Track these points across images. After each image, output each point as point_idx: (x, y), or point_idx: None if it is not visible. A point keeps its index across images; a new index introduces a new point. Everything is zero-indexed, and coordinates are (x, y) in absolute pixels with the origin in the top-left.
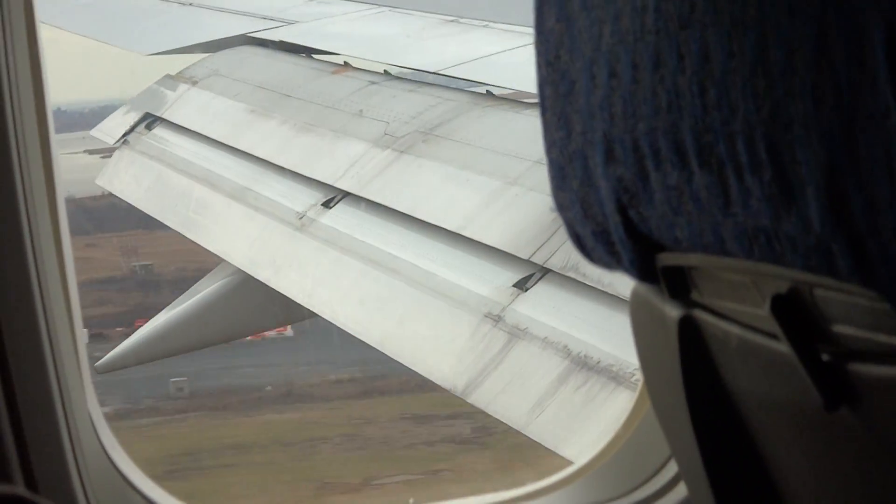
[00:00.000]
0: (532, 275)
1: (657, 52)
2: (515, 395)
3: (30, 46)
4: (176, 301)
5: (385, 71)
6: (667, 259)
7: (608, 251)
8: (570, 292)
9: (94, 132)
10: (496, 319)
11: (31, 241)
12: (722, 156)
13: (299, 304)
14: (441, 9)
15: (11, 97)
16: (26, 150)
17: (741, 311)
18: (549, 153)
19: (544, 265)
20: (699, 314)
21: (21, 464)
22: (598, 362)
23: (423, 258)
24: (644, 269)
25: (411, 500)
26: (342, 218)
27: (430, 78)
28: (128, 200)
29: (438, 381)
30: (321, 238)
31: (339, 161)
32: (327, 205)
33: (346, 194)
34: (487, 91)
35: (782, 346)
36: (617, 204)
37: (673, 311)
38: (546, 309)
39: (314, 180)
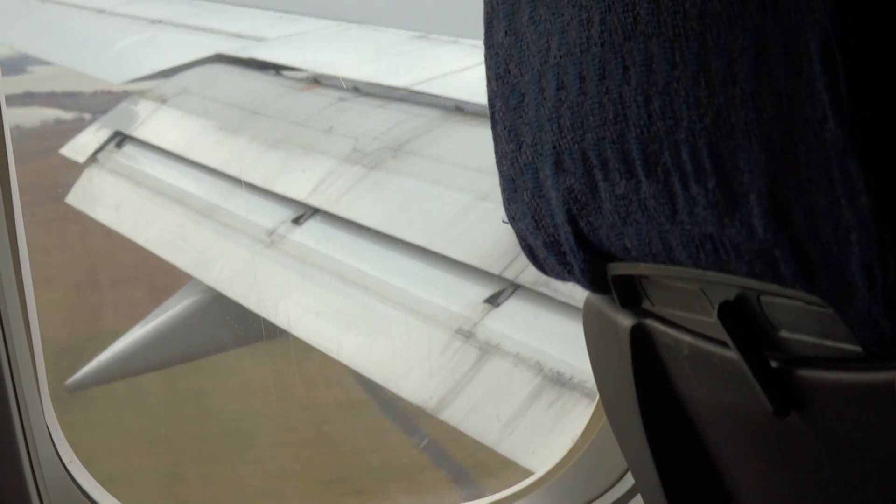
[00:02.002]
0: (503, 290)
1: (603, 63)
2: (487, 411)
3: None
4: (146, 318)
5: (354, 87)
6: (617, 269)
7: (560, 262)
8: (542, 308)
9: (64, 150)
10: (467, 335)
11: None
12: (667, 165)
13: (270, 321)
14: (410, 25)
15: None
16: None
17: (691, 319)
18: (501, 165)
19: (515, 280)
20: (651, 323)
21: None
22: (571, 378)
23: (393, 274)
24: (595, 279)
25: None
26: (312, 234)
27: (400, 94)
28: (97, 219)
29: (409, 398)
30: (291, 255)
31: (308, 177)
32: (297, 221)
33: (315, 210)
34: (457, 107)
35: (732, 354)
36: (567, 214)
37: (625, 321)
38: (518, 324)
39: (284, 197)
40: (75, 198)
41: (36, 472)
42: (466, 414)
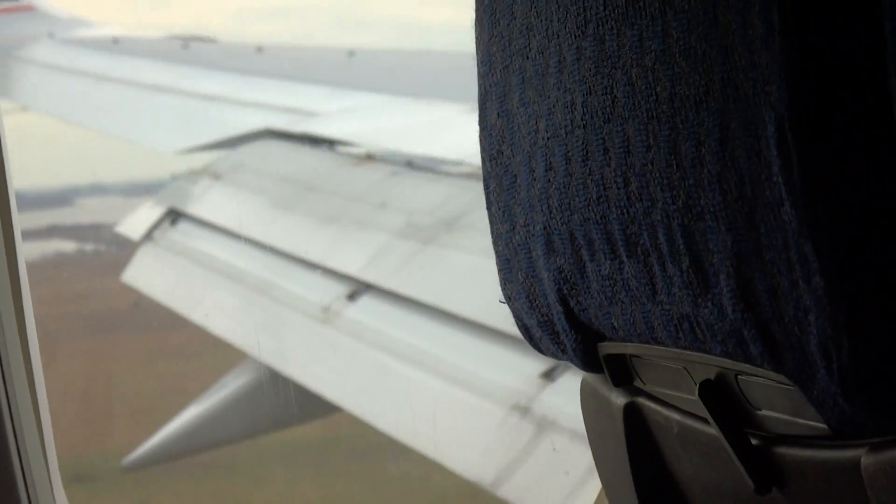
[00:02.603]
0: (558, 365)
1: (586, 145)
2: (545, 488)
3: None
4: (201, 396)
5: (408, 161)
6: (607, 348)
7: (553, 341)
8: None
9: (119, 228)
10: (524, 410)
11: None
12: (646, 245)
13: (325, 399)
14: (463, 99)
15: None
16: None
17: (678, 397)
18: (496, 246)
19: None
20: (642, 401)
21: None
22: None
23: (449, 349)
24: (587, 359)
25: None
26: (366, 310)
27: (453, 168)
28: (153, 297)
29: (466, 475)
30: (346, 331)
31: (362, 253)
32: (351, 297)
33: (369, 286)
34: None
35: (715, 431)
36: (558, 294)
37: (618, 399)
38: (574, 399)
39: (338, 273)
40: (130, 275)
41: None
42: (523, 490)
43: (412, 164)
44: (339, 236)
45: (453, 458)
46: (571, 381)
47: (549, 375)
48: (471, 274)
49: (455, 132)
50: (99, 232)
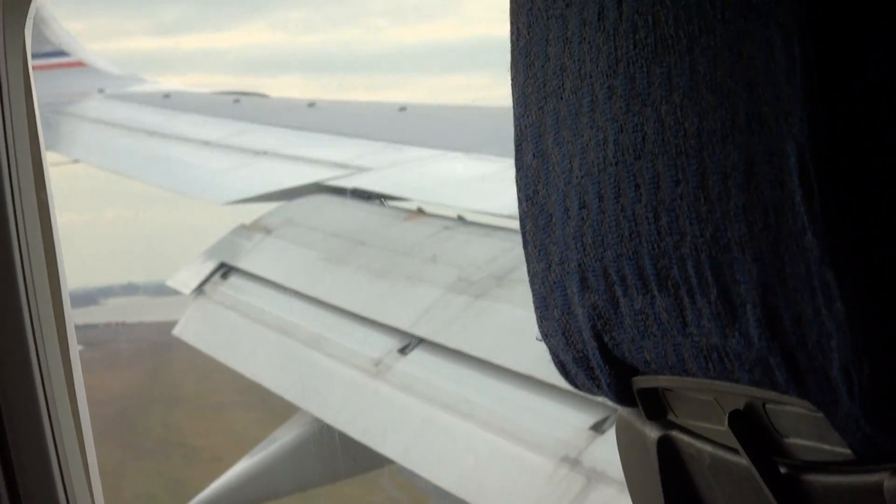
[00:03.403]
0: (608, 417)
1: (618, 182)
2: None
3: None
4: (254, 449)
5: (459, 216)
6: (641, 382)
7: (589, 377)
8: None
9: (170, 282)
10: (574, 463)
11: (32, 327)
12: (676, 279)
13: (376, 452)
14: (512, 153)
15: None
16: (31, 269)
17: (710, 429)
18: (532, 284)
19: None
20: (676, 434)
21: None
22: None
23: (500, 402)
24: (621, 393)
25: None
26: (418, 364)
27: (505, 222)
28: (204, 350)
29: None
30: (397, 384)
31: (413, 307)
32: (403, 351)
33: (421, 340)
34: None
35: (745, 461)
36: (593, 330)
37: (652, 433)
38: None
39: (389, 326)
40: (182, 329)
41: None
42: None
43: (463, 219)
44: (390, 290)
45: None
46: None
47: (598, 427)
48: (521, 327)
49: (505, 186)
50: None
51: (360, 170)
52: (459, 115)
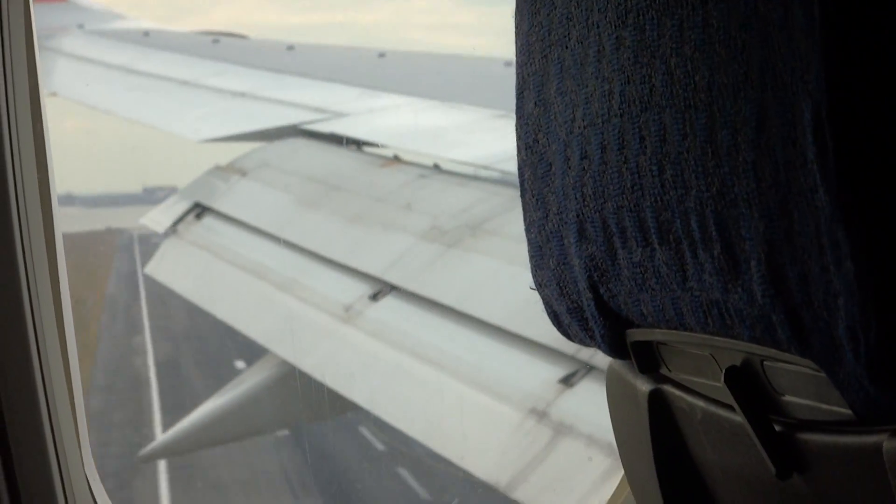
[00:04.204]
0: (577, 371)
1: (622, 133)
2: (559, 492)
3: (34, 121)
4: (220, 391)
5: (434, 164)
6: (635, 335)
7: (582, 328)
8: None
9: (143, 220)
10: (541, 415)
11: (31, 307)
12: (678, 232)
13: (344, 397)
14: (492, 104)
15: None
16: (28, 226)
17: (703, 384)
18: (529, 233)
19: (589, 362)
20: (667, 388)
21: None
22: None
23: (468, 352)
24: (615, 345)
25: None
26: (388, 311)
27: (480, 172)
28: (175, 290)
29: (482, 476)
30: (367, 330)
31: (386, 254)
32: (374, 297)
33: (393, 287)
34: None
35: (739, 418)
36: (589, 281)
37: (643, 386)
38: (592, 406)
39: (361, 273)
40: (154, 269)
41: None
42: (538, 493)
43: (438, 167)
44: (364, 236)
45: (469, 459)
46: (589, 388)
47: (567, 381)
48: (493, 278)
49: (483, 137)
50: None
51: (338, 115)
52: (439, 63)
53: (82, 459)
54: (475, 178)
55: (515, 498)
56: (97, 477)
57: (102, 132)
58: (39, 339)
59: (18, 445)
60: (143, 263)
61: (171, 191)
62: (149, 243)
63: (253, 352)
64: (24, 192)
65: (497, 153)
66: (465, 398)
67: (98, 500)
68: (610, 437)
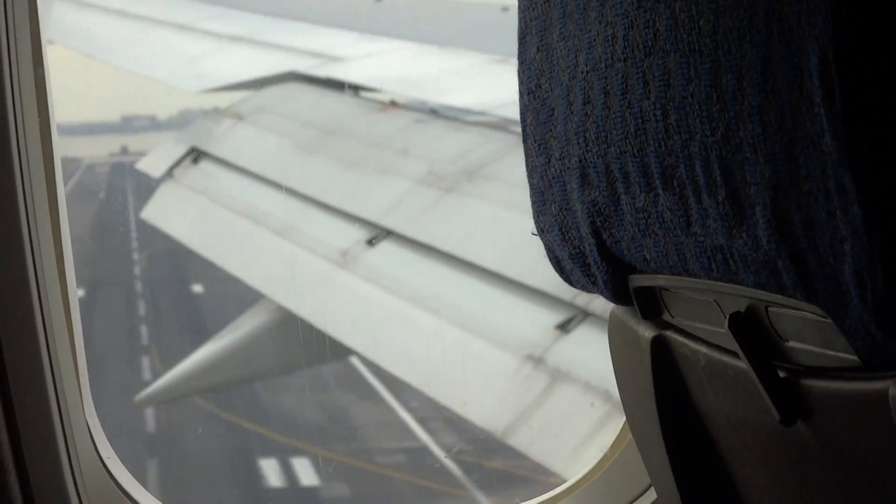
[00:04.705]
0: (574, 317)
1: (625, 78)
2: (556, 438)
3: (32, 44)
4: (217, 336)
5: (432, 109)
6: (638, 280)
7: (585, 273)
8: None
9: (139, 165)
10: (538, 361)
11: (31, 248)
12: (682, 177)
13: (340, 342)
14: (489, 49)
15: (14, 103)
16: (27, 153)
17: (707, 330)
18: (531, 178)
19: (586, 308)
20: (670, 335)
21: (17, 473)
22: None
23: (465, 298)
24: (618, 291)
25: None
26: (385, 256)
27: (478, 117)
28: (171, 234)
29: (478, 422)
30: (364, 276)
31: (383, 199)
32: (371, 242)
33: (389, 232)
34: None
35: (743, 364)
36: (591, 227)
37: (646, 332)
38: (588, 352)
39: (358, 218)
40: (150, 212)
41: (74, 468)
42: (534, 439)
43: (436, 113)
44: (361, 182)
45: (466, 405)
46: (586, 334)
47: (564, 327)
48: (490, 224)
49: (480, 82)
50: None
51: (335, 59)
52: (436, 8)
53: (83, 405)
54: (472, 123)
55: (511, 443)
56: (97, 423)
57: (94, 75)
58: (40, 281)
59: (19, 388)
60: (80, 193)
61: (150, 119)
62: (93, 172)
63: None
64: (23, 123)
65: (494, 99)
66: (461, 344)
67: (98, 445)
68: (606, 383)
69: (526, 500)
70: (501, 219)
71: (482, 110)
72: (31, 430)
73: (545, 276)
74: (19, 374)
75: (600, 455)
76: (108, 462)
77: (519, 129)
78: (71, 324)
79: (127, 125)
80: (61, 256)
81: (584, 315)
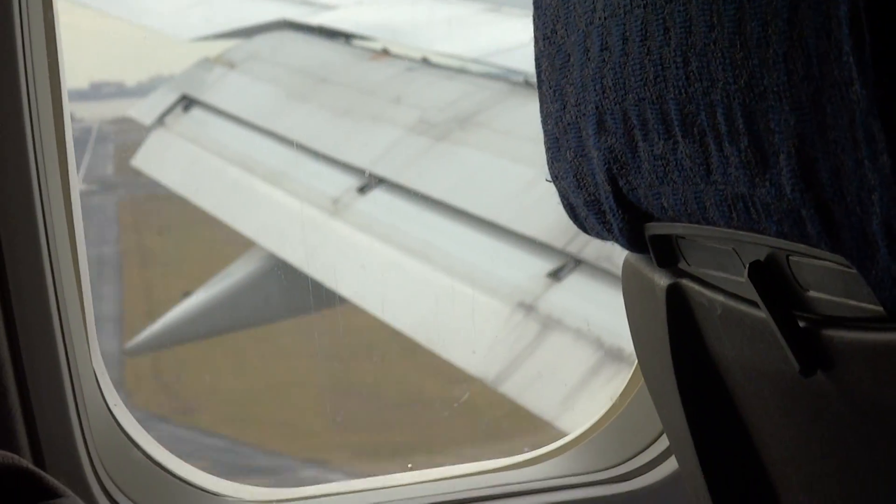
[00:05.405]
0: (566, 265)
1: (645, 24)
2: (547, 386)
3: (47, 34)
4: (207, 284)
5: (423, 58)
6: (654, 228)
7: (600, 220)
8: (604, 283)
9: (131, 112)
10: (529, 309)
11: (41, 196)
12: (703, 125)
13: (331, 290)
14: None
15: (28, 91)
16: (41, 139)
17: (724, 279)
18: (545, 125)
19: (578, 256)
20: (686, 283)
21: (25, 421)
22: (631, 354)
23: (457, 245)
24: (633, 239)
25: (409, 466)
26: (377, 204)
27: (469, 65)
28: (162, 181)
29: (470, 370)
30: (355, 224)
31: (374, 147)
32: (362, 190)
33: (381, 180)
34: (525, 80)
35: (762, 313)
36: (608, 174)
37: (661, 280)
38: (580, 300)
39: (350, 165)
40: (141, 160)
41: (81, 415)
42: (525, 387)
43: (427, 61)
44: (352, 129)
45: (457, 353)
46: (577, 282)
47: (555, 275)
48: (482, 172)
49: (473, 30)
50: None
51: (327, 7)
52: None
53: (90, 353)
54: (464, 71)
55: (503, 391)
56: (104, 371)
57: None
58: (49, 235)
59: (27, 337)
60: None
61: (118, 86)
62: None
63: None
64: (34, 76)
65: (487, 46)
66: (452, 291)
67: (105, 393)
68: (598, 330)
69: (536, 448)
70: (493, 166)
71: (474, 58)
72: (38, 379)
73: (536, 223)
74: (27, 322)
75: (609, 404)
76: (114, 410)
77: (511, 77)
78: (79, 274)
79: (95, 92)
80: (70, 208)
81: (576, 263)
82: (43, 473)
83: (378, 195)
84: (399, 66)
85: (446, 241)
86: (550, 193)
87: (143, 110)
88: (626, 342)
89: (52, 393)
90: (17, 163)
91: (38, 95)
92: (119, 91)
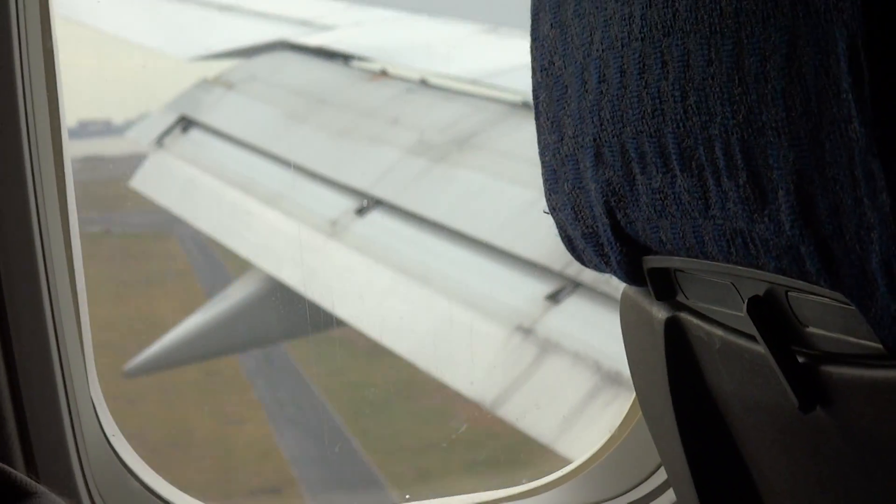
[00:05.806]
0: (564, 287)
1: (643, 58)
2: (545, 409)
3: (44, 43)
4: (206, 305)
5: (422, 79)
6: (653, 261)
7: (597, 253)
8: (602, 306)
9: (129, 133)
10: (527, 332)
11: (39, 224)
12: (701, 159)
13: (329, 313)
14: (480, 18)
15: (24, 97)
16: (38, 148)
17: (723, 313)
18: (543, 156)
19: (576, 278)
20: (684, 316)
21: (22, 450)
22: (629, 379)
23: (455, 268)
24: (631, 272)
25: (407, 497)
26: (375, 225)
27: (468, 87)
28: (160, 203)
29: (467, 393)
30: (353, 245)
31: (373, 168)
32: (360, 212)
33: (379, 202)
34: (524, 101)
35: (760, 348)
36: (605, 206)
37: (659, 313)
38: (578, 323)
39: (348, 187)
40: (139, 181)
41: (79, 445)
42: (524, 411)
43: (426, 82)
44: (351, 151)
45: (454, 376)
46: (576, 305)
47: (554, 298)
48: (480, 194)
49: (471, 52)
50: None
51: (325, 28)
52: None
53: (88, 382)
54: (463, 93)
55: (500, 415)
56: (102, 400)
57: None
58: (47, 261)
59: (25, 365)
60: None
61: (105, 125)
62: None
63: None
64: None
65: (485, 68)
66: (450, 314)
67: (103, 423)
68: (596, 354)
69: (533, 480)
70: (491, 188)
71: (473, 79)
72: (36, 408)
73: (535, 245)
74: (25, 353)
75: (608, 435)
76: (112, 439)
77: (509, 99)
78: (77, 303)
79: (83, 130)
80: (68, 237)
81: (575, 286)
82: (12, 470)
83: (376, 217)
84: (397, 87)
85: (444, 263)
86: (548, 216)
87: (142, 131)
88: (623, 366)
89: (49, 422)
90: (16, 192)
91: (38, 132)
92: (106, 129)
